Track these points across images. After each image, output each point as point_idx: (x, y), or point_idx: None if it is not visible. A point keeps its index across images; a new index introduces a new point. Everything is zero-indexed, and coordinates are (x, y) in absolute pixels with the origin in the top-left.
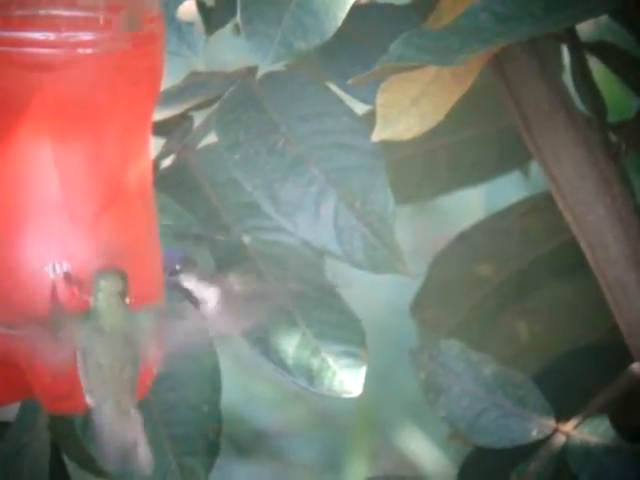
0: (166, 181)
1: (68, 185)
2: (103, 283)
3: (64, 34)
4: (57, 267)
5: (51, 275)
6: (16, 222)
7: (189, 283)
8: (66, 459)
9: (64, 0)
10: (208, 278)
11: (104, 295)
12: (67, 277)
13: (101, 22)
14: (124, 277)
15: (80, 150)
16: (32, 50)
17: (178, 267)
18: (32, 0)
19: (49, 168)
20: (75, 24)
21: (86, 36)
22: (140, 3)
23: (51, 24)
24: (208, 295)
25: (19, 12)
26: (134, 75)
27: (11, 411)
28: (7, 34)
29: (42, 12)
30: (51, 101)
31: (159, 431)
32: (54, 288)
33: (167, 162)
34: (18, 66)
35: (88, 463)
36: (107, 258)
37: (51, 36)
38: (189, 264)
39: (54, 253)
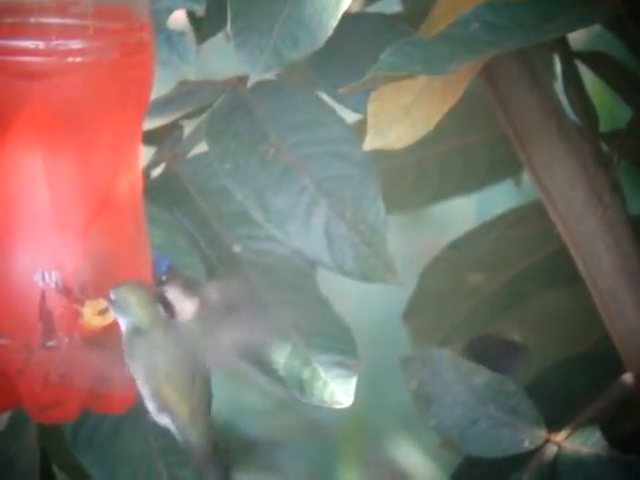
0: (156, 190)
1: (58, 194)
2: (133, 297)
3: (54, 42)
4: (46, 276)
5: (40, 284)
6: (5, 231)
7: (172, 295)
8: (55, 469)
9: (54, 8)
10: (194, 292)
11: (142, 307)
12: (56, 286)
13: (91, 31)
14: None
15: (70, 158)
16: (22, 58)
17: (163, 278)
18: (22, 8)
19: (39, 177)
20: (65, 32)
21: (76, 44)
22: (129, 12)
23: (41, 32)
24: (188, 307)
25: (9, 20)
26: (124, 83)
27: (0, 421)
28: None
29: (32, 20)
30: (41, 109)
31: (150, 441)
32: (43, 297)
33: (157, 171)
34: (8, 74)
35: (77, 472)
36: (96, 267)
37: (41, 44)
38: (174, 274)
39: (44, 262)
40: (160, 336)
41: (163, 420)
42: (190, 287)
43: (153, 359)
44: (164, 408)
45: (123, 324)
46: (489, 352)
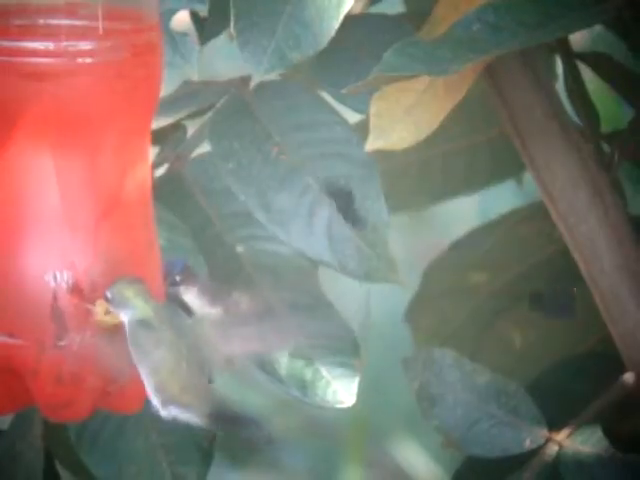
0: (159, 190)
1: (68, 194)
2: (130, 290)
3: (63, 43)
4: (58, 275)
5: (52, 284)
6: (16, 231)
7: (188, 296)
8: (59, 468)
9: (63, 10)
10: (209, 293)
11: (142, 299)
12: (68, 285)
13: (100, 32)
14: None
15: (80, 158)
16: (31, 60)
17: (178, 278)
18: (31, 9)
19: (49, 177)
20: (74, 33)
21: (85, 45)
22: (138, 13)
23: (50, 33)
24: (208, 311)
25: (18, 21)
26: (133, 84)
27: (4, 419)
28: (6, 43)
29: (41, 21)
30: (51, 110)
31: (152, 440)
32: (55, 296)
33: (161, 171)
34: (18, 75)
35: (81, 471)
36: (107, 266)
37: (50, 45)
38: (189, 275)
39: (55, 262)
40: (165, 330)
41: (169, 413)
42: (206, 288)
43: (158, 353)
44: (170, 401)
45: (125, 318)
46: (552, 302)
